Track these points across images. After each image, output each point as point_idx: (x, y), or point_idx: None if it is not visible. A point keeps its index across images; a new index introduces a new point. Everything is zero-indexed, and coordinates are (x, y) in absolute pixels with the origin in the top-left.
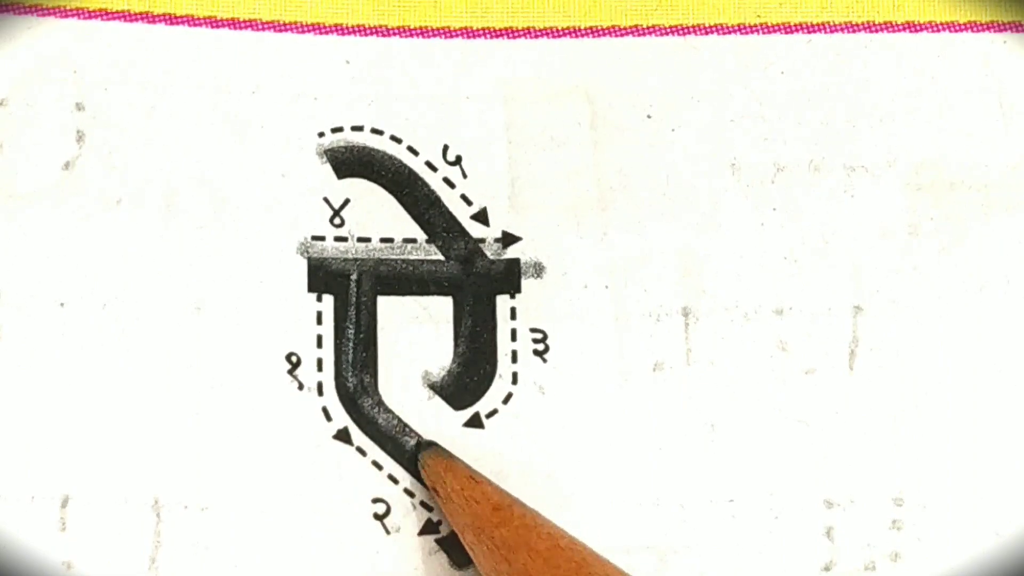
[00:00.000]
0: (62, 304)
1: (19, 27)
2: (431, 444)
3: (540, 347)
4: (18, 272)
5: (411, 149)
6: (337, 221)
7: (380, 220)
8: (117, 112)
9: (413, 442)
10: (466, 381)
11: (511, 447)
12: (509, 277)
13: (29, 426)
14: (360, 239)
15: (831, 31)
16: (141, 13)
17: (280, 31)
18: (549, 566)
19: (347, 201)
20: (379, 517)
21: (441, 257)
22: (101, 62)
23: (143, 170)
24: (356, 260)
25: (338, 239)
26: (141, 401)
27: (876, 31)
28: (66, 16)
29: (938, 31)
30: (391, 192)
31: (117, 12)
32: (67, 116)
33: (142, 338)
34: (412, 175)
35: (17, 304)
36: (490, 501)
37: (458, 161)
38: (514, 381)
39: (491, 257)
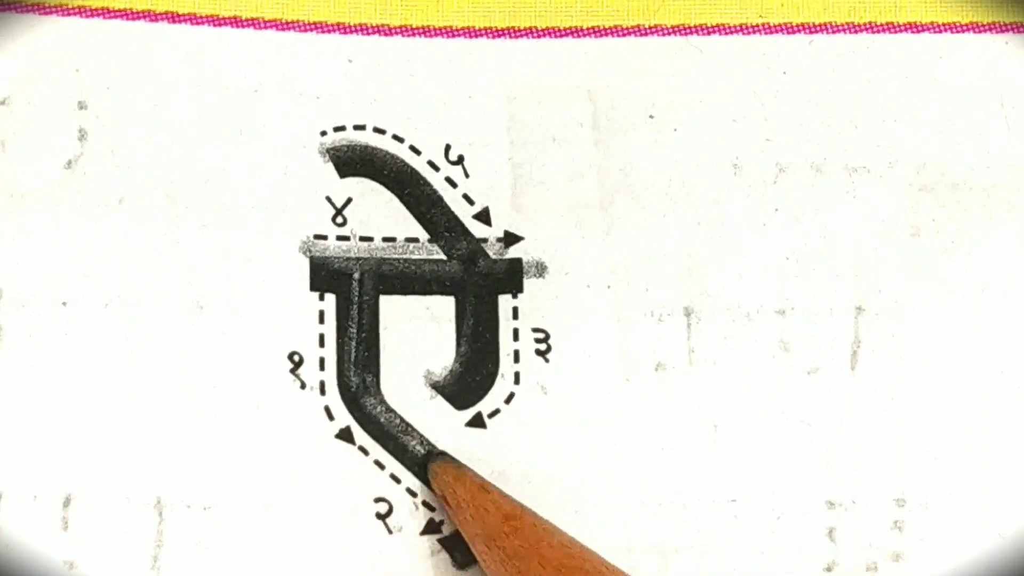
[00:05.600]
0: (64, 303)
1: (21, 25)
2: (441, 453)
3: (542, 347)
4: (20, 271)
5: (413, 148)
6: (339, 220)
7: (382, 219)
8: (119, 111)
9: (416, 443)
10: (468, 381)
11: (513, 447)
12: (511, 277)
13: (31, 426)
14: (362, 238)
15: (833, 32)
16: (143, 11)
17: (282, 30)
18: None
19: (349, 200)
20: (381, 517)
21: (443, 256)
22: (103, 60)
23: (145, 169)
24: (358, 259)
25: (340, 238)
26: (143, 400)
27: (878, 32)
28: (68, 15)
29: (940, 32)
30: (393, 191)
31: (119, 10)
32: (69, 115)
33: (144, 337)
34: (414, 174)
35: (19, 303)
36: (501, 510)
37: (460, 160)
38: (516, 381)
39: (493, 257)
